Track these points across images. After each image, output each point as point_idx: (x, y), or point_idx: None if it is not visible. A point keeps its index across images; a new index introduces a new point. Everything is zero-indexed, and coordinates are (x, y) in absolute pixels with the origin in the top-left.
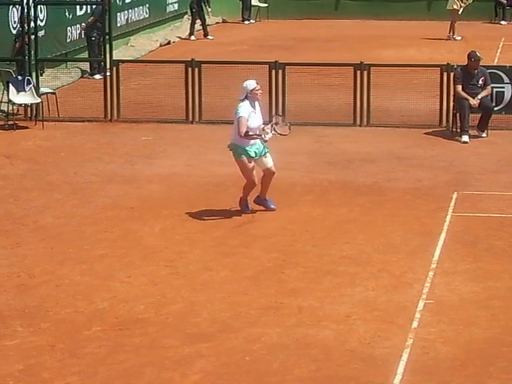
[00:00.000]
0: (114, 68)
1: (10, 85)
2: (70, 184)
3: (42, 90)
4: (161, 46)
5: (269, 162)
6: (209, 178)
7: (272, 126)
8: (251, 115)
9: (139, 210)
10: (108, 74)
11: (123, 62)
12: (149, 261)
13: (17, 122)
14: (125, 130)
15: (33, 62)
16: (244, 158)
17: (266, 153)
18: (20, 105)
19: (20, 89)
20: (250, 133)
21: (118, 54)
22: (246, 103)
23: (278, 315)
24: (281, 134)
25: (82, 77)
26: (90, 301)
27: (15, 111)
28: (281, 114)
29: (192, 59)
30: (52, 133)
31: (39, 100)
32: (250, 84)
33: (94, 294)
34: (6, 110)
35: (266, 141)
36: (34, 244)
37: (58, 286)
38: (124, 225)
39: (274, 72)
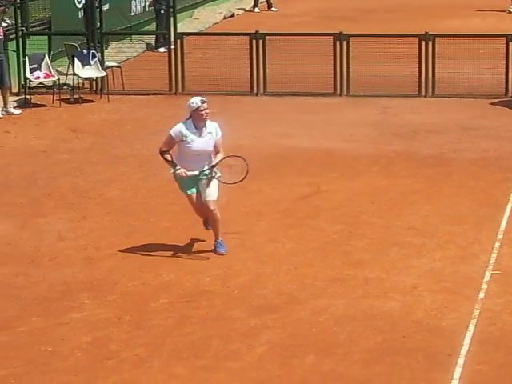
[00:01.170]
0: (179, 41)
1: (76, 59)
2: (136, 157)
3: (107, 63)
4: (225, 18)
5: (207, 193)
6: (274, 149)
7: (212, 166)
8: (192, 138)
9: None
10: (172, 46)
11: (187, 34)
12: None
13: (82, 95)
14: None
15: (98, 36)
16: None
17: (205, 179)
18: (85, 78)
19: (85, 63)
20: (168, 157)
21: (182, 27)
22: (186, 124)
23: (344, 287)
24: (222, 182)
25: (146, 50)
26: (157, 273)
27: (81, 85)
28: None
29: (256, 31)
30: (117, 106)
31: (104, 73)
32: (194, 102)
33: (161, 266)
34: (71, 83)
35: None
36: (100, 217)
37: (124, 259)
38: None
39: (338, 43)
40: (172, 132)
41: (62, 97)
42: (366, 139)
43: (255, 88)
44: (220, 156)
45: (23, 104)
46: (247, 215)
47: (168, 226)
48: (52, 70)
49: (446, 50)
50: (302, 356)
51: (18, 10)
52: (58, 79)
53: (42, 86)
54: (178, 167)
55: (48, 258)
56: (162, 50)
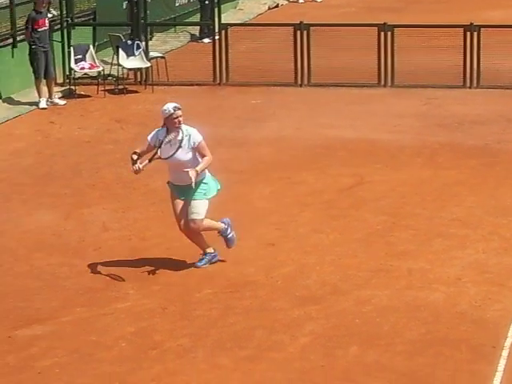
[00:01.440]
0: (223, 32)
1: (120, 49)
2: None
3: (152, 54)
4: (269, 9)
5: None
6: (318, 140)
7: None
8: (164, 146)
9: (249, 173)
10: (217, 37)
11: (232, 25)
12: (259, 223)
13: (127, 86)
14: (234, 94)
15: (142, 27)
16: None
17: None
18: (130, 69)
19: (130, 53)
20: (134, 156)
21: (226, 18)
22: (160, 131)
23: (387, 277)
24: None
25: (190, 41)
26: None
27: (125, 76)
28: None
29: (300, 22)
30: (161, 97)
31: (149, 64)
32: (166, 109)
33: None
34: (116, 74)
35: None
36: (144, 207)
37: (168, 249)
38: (234, 188)
39: (382, 34)
40: (148, 136)
41: (107, 87)
42: (410, 130)
43: (299, 79)
44: (206, 160)
45: (68, 94)
46: (291, 206)
47: (212, 217)
48: (97, 61)
49: (490, 40)
50: (345, 347)
51: (63, 1)
52: (103, 70)
53: (86, 76)
54: (136, 165)
55: (92, 248)
56: (206, 40)
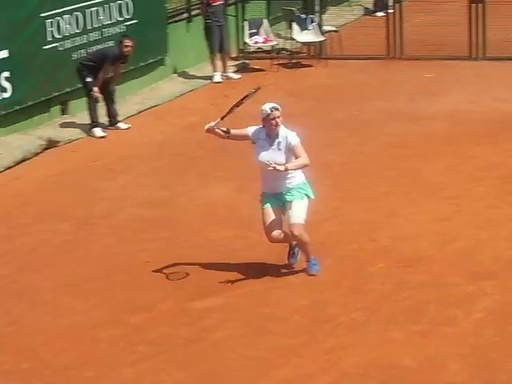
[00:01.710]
0: (397, 5)
1: (294, 23)
2: (353, 121)
3: (325, 28)
4: None
5: (290, 215)
6: (492, 114)
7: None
8: (261, 144)
9: (422, 148)
10: (391, 11)
11: None
12: (432, 198)
13: (300, 60)
14: (407, 68)
15: (316, 1)
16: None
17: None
18: (303, 43)
19: (303, 27)
20: (219, 130)
21: None
22: (260, 129)
23: None
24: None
25: (364, 14)
26: (374, 237)
27: (298, 50)
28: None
29: None
30: (335, 70)
31: (322, 38)
32: (264, 110)
33: (378, 231)
34: (289, 48)
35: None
36: (317, 181)
37: (341, 223)
38: (407, 162)
39: None
40: (249, 127)
41: (280, 61)
42: None
43: (474, 52)
44: (300, 161)
45: (242, 69)
46: (465, 180)
47: (385, 191)
48: (270, 35)
49: None
50: None
51: None
52: (277, 44)
53: (260, 50)
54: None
55: None
56: (379, 14)
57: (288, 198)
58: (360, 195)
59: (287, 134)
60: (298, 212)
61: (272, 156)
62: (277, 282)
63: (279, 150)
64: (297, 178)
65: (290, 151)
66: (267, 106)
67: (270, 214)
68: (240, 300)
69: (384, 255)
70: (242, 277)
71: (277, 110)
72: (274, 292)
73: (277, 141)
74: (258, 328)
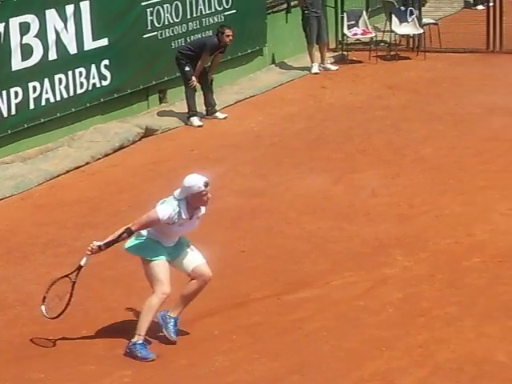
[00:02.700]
0: None
1: (393, 16)
2: (452, 115)
3: (425, 20)
4: None
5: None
6: None
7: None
8: (181, 222)
9: None
10: (491, 4)
11: None
12: None
13: (399, 52)
14: (507, 61)
15: None
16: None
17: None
18: (402, 35)
19: (403, 19)
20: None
21: None
22: (180, 206)
23: None
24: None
25: (464, 7)
26: (470, 232)
27: (397, 42)
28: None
29: None
30: (433, 63)
31: (422, 31)
32: (195, 186)
33: (474, 225)
34: (388, 40)
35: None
36: (414, 174)
37: (437, 217)
38: (506, 156)
39: None
40: (162, 214)
41: (379, 53)
42: None
43: None
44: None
45: (340, 60)
46: None
47: (482, 185)
48: (369, 27)
49: None
50: None
51: None
52: (375, 36)
53: (358, 42)
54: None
55: (362, 213)
56: (480, 7)
57: (183, 246)
58: (457, 189)
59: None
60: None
61: (190, 228)
62: (371, 275)
63: (197, 219)
64: None
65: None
66: (199, 181)
67: (167, 268)
68: (334, 292)
69: (480, 250)
70: (337, 268)
71: (208, 185)
72: (368, 284)
73: (196, 211)
74: (351, 320)
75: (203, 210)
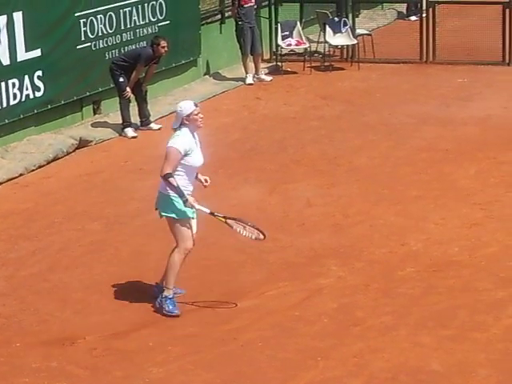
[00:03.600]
0: (431, 9)
1: (327, 26)
2: (385, 125)
3: (358, 31)
4: None
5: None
6: None
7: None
8: (193, 150)
9: (454, 152)
10: (424, 15)
11: (439, 3)
12: (463, 203)
13: (333, 63)
14: (440, 72)
15: (349, 4)
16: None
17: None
18: (336, 46)
19: (336, 30)
20: (180, 179)
21: None
22: (185, 133)
23: None
24: (229, 225)
25: (397, 18)
26: (404, 241)
27: (331, 52)
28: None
29: (510, 0)
30: (367, 74)
31: (355, 41)
32: (186, 107)
33: (408, 235)
34: (322, 51)
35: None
36: (348, 184)
37: (371, 227)
38: (438, 167)
39: None
40: (179, 146)
41: (313, 64)
42: None
43: (507, 57)
44: None
45: (274, 71)
46: (496, 186)
47: (416, 195)
48: (303, 38)
49: None
50: None
51: None
52: (309, 46)
53: (293, 53)
54: (185, 197)
55: (296, 223)
56: (413, 18)
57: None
58: (391, 199)
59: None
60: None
61: (201, 157)
62: (306, 285)
63: (199, 145)
64: None
65: None
66: (189, 103)
67: (194, 221)
68: (269, 302)
69: (414, 259)
70: (272, 279)
71: (197, 106)
72: (303, 294)
73: (196, 139)
74: (286, 330)
75: (197, 139)
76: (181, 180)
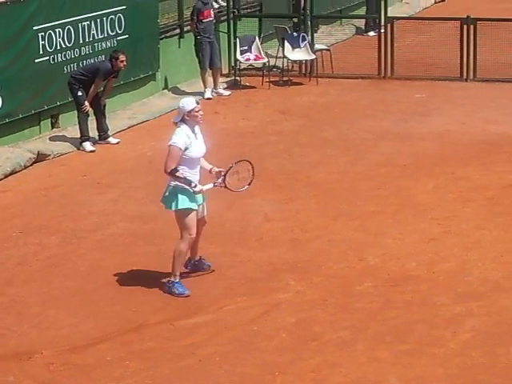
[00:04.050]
0: (389, 25)
1: (286, 41)
2: (344, 140)
3: (317, 46)
4: (435, 2)
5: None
6: (482, 136)
7: (224, 175)
8: (192, 144)
9: (412, 168)
10: (382, 31)
11: (398, 18)
12: (421, 218)
13: (291, 78)
14: (398, 87)
15: (308, 19)
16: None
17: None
18: (295, 61)
19: (295, 45)
20: (183, 171)
21: (392, 11)
22: (184, 129)
23: None
24: (229, 189)
25: (355, 34)
26: (362, 256)
27: (290, 67)
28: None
29: (467, 16)
30: (326, 89)
31: (314, 56)
32: (188, 103)
33: (366, 250)
34: (281, 66)
35: (196, 191)
36: (306, 199)
37: (330, 241)
38: (397, 182)
39: None
40: (178, 142)
41: (272, 79)
42: None
43: (465, 73)
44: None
45: (233, 85)
46: (454, 201)
47: (374, 210)
48: (262, 52)
49: None
50: (506, 344)
51: None
52: (268, 61)
53: (251, 67)
54: (193, 184)
55: (254, 238)
56: (371, 33)
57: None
58: (349, 214)
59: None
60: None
61: (201, 149)
62: (264, 299)
63: (202, 140)
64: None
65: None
66: (190, 99)
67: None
68: (228, 316)
69: (372, 274)
70: (230, 293)
71: (199, 103)
72: (261, 309)
73: (197, 132)
74: (245, 345)
75: (200, 135)
76: (185, 172)
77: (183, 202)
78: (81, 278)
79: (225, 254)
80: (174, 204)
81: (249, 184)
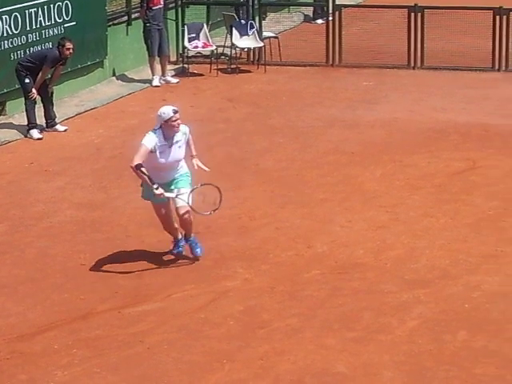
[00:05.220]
0: (337, 13)
1: (234, 29)
2: (292, 128)
3: (265, 34)
4: None
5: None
6: (430, 124)
7: (190, 193)
8: (162, 149)
9: (360, 155)
10: (330, 18)
11: (346, 6)
12: (369, 206)
13: (239, 65)
14: (346, 75)
15: (256, 7)
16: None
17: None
18: (243, 49)
19: (243, 33)
20: (145, 170)
21: None
22: (157, 134)
23: (498, 263)
24: (191, 208)
25: (304, 21)
26: (310, 244)
27: (238, 55)
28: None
29: (415, 4)
30: (274, 77)
31: (262, 44)
32: (165, 113)
33: (314, 238)
34: (228, 53)
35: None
36: (254, 187)
37: (278, 229)
38: (345, 169)
39: (498, 18)
40: (146, 142)
41: (220, 66)
42: None
43: (412, 61)
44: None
45: (181, 73)
46: (402, 189)
47: (322, 198)
48: (210, 40)
49: None
50: (453, 331)
51: None
52: (216, 49)
53: (199, 55)
54: (156, 186)
55: (203, 226)
56: (319, 21)
57: (178, 185)
58: (297, 202)
59: (185, 130)
60: (186, 198)
61: (173, 156)
62: (212, 287)
63: (179, 147)
64: (183, 168)
65: (187, 144)
66: (168, 109)
67: (162, 206)
68: (175, 304)
69: (320, 262)
70: (178, 281)
71: (177, 112)
72: (209, 297)
73: (175, 140)
74: (192, 332)
75: (181, 136)
76: (149, 171)
77: (146, 193)
78: (28, 266)
79: (172, 242)
80: (141, 193)
81: (213, 211)
